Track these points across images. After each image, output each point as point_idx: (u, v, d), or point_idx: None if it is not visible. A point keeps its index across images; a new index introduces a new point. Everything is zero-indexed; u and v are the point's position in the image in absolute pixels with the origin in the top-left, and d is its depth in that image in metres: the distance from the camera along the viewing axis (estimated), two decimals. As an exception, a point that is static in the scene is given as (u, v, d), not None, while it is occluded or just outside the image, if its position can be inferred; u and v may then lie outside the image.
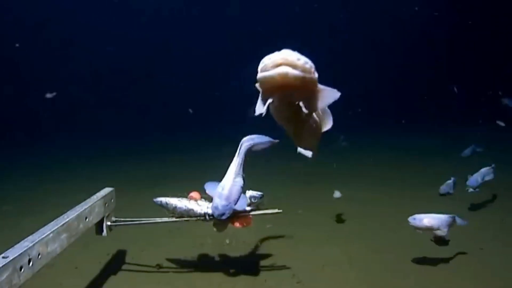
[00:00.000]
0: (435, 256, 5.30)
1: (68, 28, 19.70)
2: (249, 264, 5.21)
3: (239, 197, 4.37)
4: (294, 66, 1.99)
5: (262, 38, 16.66)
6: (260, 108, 2.23)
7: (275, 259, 5.26)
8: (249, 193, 4.61)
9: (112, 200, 4.86)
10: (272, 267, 5.06)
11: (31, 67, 17.84)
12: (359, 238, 5.94)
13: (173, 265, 5.18)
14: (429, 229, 5.08)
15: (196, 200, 4.55)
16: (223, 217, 4.30)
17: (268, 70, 2.07)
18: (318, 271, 5.02)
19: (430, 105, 16.46)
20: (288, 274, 4.91)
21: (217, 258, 5.39)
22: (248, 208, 4.55)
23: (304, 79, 2.02)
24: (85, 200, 4.46)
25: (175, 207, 4.53)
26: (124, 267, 5.20)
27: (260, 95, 2.25)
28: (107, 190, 4.87)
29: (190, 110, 14.93)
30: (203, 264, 5.25)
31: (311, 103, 2.20)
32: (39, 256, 3.27)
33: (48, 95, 13.95)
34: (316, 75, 2.09)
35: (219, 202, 4.27)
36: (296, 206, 6.97)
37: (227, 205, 4.27)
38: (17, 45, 17.10)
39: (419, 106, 16.77)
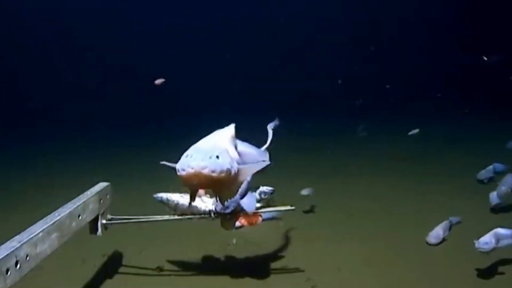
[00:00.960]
0: (466, 258, 5.18)
1: (63, 21, 19.82)
2: (258, 267, 5.17)
3: (246, 192, 4.34)
4: (204, 177, 2.88)
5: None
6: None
7: (287, 261, 5.23)
8: (259, 188, 4.60)
9: (108, 196, 4.84)
10: (284, 270, 5.03)
11: (21, 58, 17.91)
12: (378, 237, 5.92)
13: (175, 268, 5.16)
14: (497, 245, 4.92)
15: (200, 196, 4.53)
16: (227, 211, 4.30)
17: (183, 172, 2.93)
18: (334, 274, 4.99)
19: (453, 93, 16.37)
20: (302, 278, 4.87)
21: (222, 260, 5.38)
22: (258, 205, 4.53)
23: (215, 183, 2.64)
24: (78, 196, 4.44)
25: (177, 203, 4.51)
26: (121, 269, 5.18)
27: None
28: (102, 185, 4.85)
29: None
30: (208, 266, 5.23)
31: (227, 195, 2.87)
32: (27, 258, 3.25)
33: (158, 81, 14.03)
34: (233, 172, 2.67)
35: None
36: (310, 202, 6.94)
37: (231, 202, 4.27)
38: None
39: (446, 91, 16.65)
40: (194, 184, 2.78)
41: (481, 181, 7.48)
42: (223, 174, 2.61)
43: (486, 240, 4.78)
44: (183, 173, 2.78)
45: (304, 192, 6.92)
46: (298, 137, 11.11)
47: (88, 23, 20.10)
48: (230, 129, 3.97)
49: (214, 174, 2.57)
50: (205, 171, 2.58)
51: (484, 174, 7.47)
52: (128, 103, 16.55)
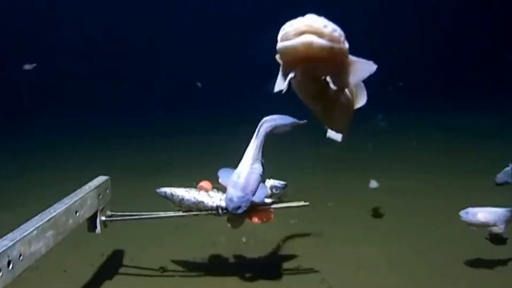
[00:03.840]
0: (491, 257, 5.23)
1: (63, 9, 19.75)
2: (270, 267, 5.19)
3: (258, 187, 4.30)
4: (320, 35, 1.99)
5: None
6: (281, 84, 2.22)
7: (301, 261, 5.24)
8: (270, 182, 4.56)
9: (108, 191, 4.85)
10: (297, 270, 5.05)
11: (10, 32, 17.84)
12: (400, 236, 5.94)
13: (180, 268, 5.20)
14: (485, 225, 4.96)
15: (206, 191, 4.51)
16: (239, 211, 4.23)
17: (289, 39, 2.04)
18: (352, 275, 5.01)
19: (485, 77, 16.31)
20: (317, 279, 4.90)
21: (231, 260, 5.41)
22: (269, 200, 4.50)
23: (332, 50, 2.00)
24: (75, 190, 4.45)
25: (182, 199, 4.49)
26: (121, 270, 5.22)
27: (280, 68, 2.23)
28: (101, 179, 4.86)
29: (199, 84, 14.88)
30: (215, 266, 5.26)
31: (341, 78, 2.18)
32: (21, 257, 3.26)
33: (27, 67, 13.94)
34: (347, 45, 2.08)
35: (234, 193, 4.20)
36: (325, 198, 6.94)
37: (243, 197, 4.19)
38: None
39: (472, 79, 16.59)
40: (298, 48, 2.16)
41: (500, 185, 7.45)
42: (336, 34, 2.11)
43: (470, 210, 4.86)
44: (291, 28, 2.07)
45: (372, 185, 6.90)
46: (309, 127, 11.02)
47: (92, 11, 20.02)
48: None
49: (326, 30, 2.08)
50: (317, 24, 2.09)
51: (503, 177, 7.45)
52: (130, 93, 16.49)
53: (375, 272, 5.03)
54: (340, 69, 2.14)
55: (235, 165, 4.35)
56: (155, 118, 14.25)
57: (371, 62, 2.16)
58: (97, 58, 17.98)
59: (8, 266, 3.11)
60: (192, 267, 5.17)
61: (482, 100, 14.68)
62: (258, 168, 4.33)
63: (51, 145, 11.13)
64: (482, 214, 4.90)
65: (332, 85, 2.14)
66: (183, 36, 19.95)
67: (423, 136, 11.02)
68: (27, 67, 14.13)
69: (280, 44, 2.08)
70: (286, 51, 2.07)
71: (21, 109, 14.72)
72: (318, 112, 2.53)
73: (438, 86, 16.29)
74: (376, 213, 6.64)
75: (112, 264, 5.30)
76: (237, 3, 20.70)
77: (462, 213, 4.95)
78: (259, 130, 4.39)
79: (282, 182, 4.70)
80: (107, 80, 16.66)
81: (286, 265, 5.17)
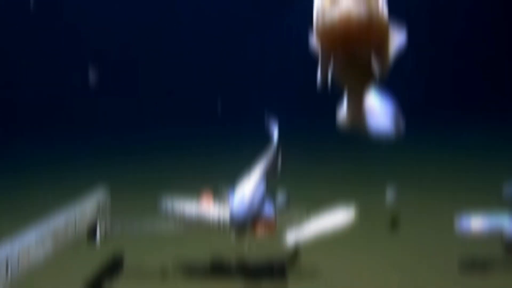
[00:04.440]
0: (491, 261, 5.22)
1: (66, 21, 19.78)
2: (274, 272, 5.15)
3: (262, 203, 4.28)
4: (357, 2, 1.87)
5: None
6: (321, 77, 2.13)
7: (305, 265, 5.21)
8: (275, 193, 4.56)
9: (107, 202, 4.81)
10: (301, 274, 5.06)
11: (6, 49, 17.87)
12: (403, 241, 5.98)
13: (181, 272, 5.18)
14: (481, 232, 4.93)
15: (208, 205, 4.48)
16: (244, 227, 4.22)
17: (326, 13, 1.90)
18: (356, 278, 5.03)
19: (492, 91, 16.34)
20: (322, 282, 4.90)
21: (234, 264, 5.36)
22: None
23: (371, 20, 1.89)
24: (75, 201, 4.41)
25: (184, 212, 4.46)
26: (122, 275, 5.19)
27: (319, 58, 2.13)
28: (100, 190, 4.83)
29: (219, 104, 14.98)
30: (218, 271, 5.23)
31: (383, 52, 2.07)
32: (19, 265, 3.22)
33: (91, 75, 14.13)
34: (386, 14, 1.97)
35: (239, 210, 4.18)
36: (329, 203, 6.92)
37: (248, 214, 4.18)
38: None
39: (478, 91, 16.61)
40: (335, 20, 1.94)
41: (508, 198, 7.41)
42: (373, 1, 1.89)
43: (465, 218, 4.86)
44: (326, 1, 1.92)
45: (389, 196, 6.89)
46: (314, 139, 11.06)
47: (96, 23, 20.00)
48: None
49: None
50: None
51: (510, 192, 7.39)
52: (131, 105, 16.50)
53: (379, 275, 5.08)
54: (381, 43, 2.04)
55: (235, 175, 4.33)
56: (156, 132, 14.26)
57: (401, 33, 2.07)
58: (97, 73, 17.99)
59: (7, 273, 3.07)
60: (193, 272, 5.15)
61: (485, 113, 14.71)
62: (263, 185, 4.31)
63: (52, 158, 11.12)
64: (478, 221, 4.87)
65: (376, 61, 2.05)
66: (184, 50, 19.97)
67: (427, 149, 11.05)
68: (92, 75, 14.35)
69: (317, 21, 1.97)
70: (324, 27, 1.94)
71: (22, 122, 14.74)
72: (357, 96, 2.45)
73: (444, 100, 16.33)
74: (394, 222, 6.61)
75: (113, 269, 5.26)
76: (237, 3, 20.68)
77: (457, 220, 4.92)
78: (272, 146, 4.43)
79: (284, 194, 4.67)
80: (108, 95, 16.67)
81: (288, 265, 5.14)
